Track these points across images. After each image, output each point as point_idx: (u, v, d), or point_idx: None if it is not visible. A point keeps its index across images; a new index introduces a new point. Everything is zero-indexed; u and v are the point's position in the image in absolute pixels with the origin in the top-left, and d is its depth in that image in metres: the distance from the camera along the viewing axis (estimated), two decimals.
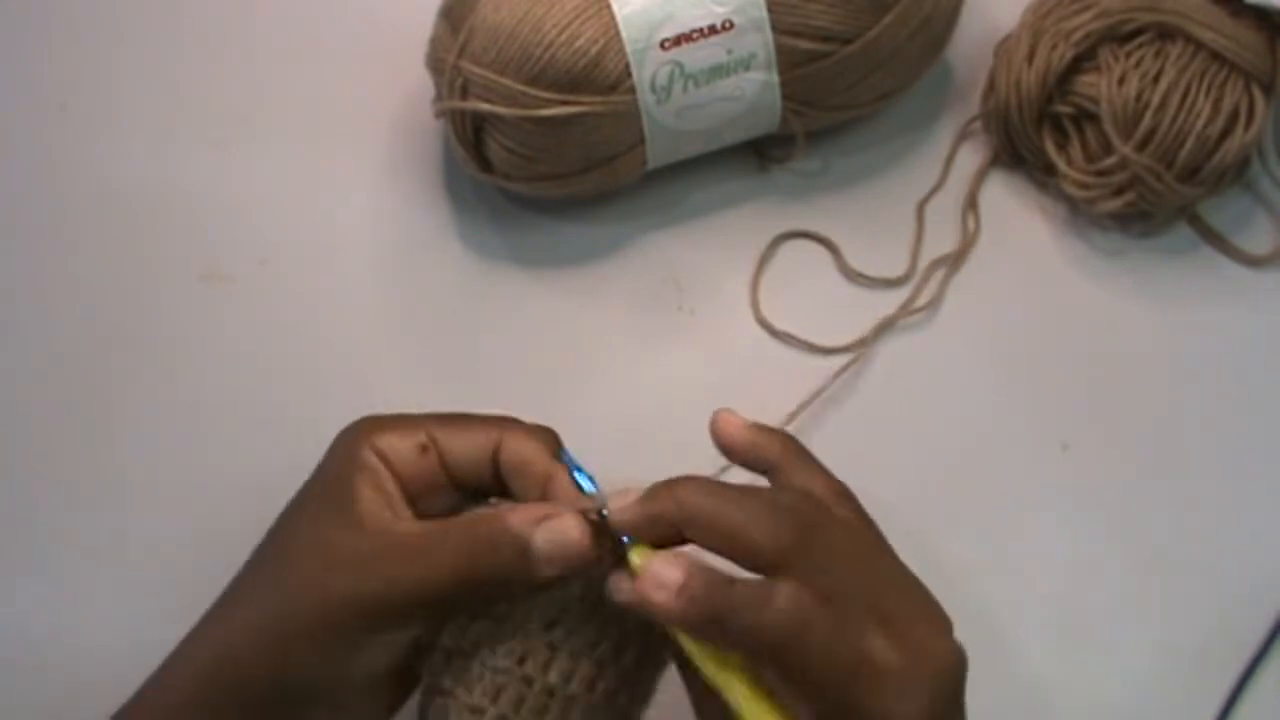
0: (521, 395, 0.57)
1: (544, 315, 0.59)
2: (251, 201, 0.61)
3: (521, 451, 0.44)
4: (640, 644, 0.43)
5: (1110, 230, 0.60)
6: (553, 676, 0.42)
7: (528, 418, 0.57)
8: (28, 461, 0.56)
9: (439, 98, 0.57)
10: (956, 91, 0.63)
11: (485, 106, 0.54)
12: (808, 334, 0.58)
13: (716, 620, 0.38)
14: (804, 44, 0.55)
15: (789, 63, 0.55)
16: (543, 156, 0.55)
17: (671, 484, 0.41)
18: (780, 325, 0.58)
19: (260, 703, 0.41)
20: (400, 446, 0.43)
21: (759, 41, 0.54)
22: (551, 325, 0.59)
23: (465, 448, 0.44)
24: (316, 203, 0.61)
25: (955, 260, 0.58)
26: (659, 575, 0.38)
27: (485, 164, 0.57)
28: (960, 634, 0.40)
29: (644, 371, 0.58)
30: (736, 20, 0.54)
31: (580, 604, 0.42)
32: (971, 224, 0.59)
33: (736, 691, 0.39)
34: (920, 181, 0.61)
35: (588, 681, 0.42)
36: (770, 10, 0.54)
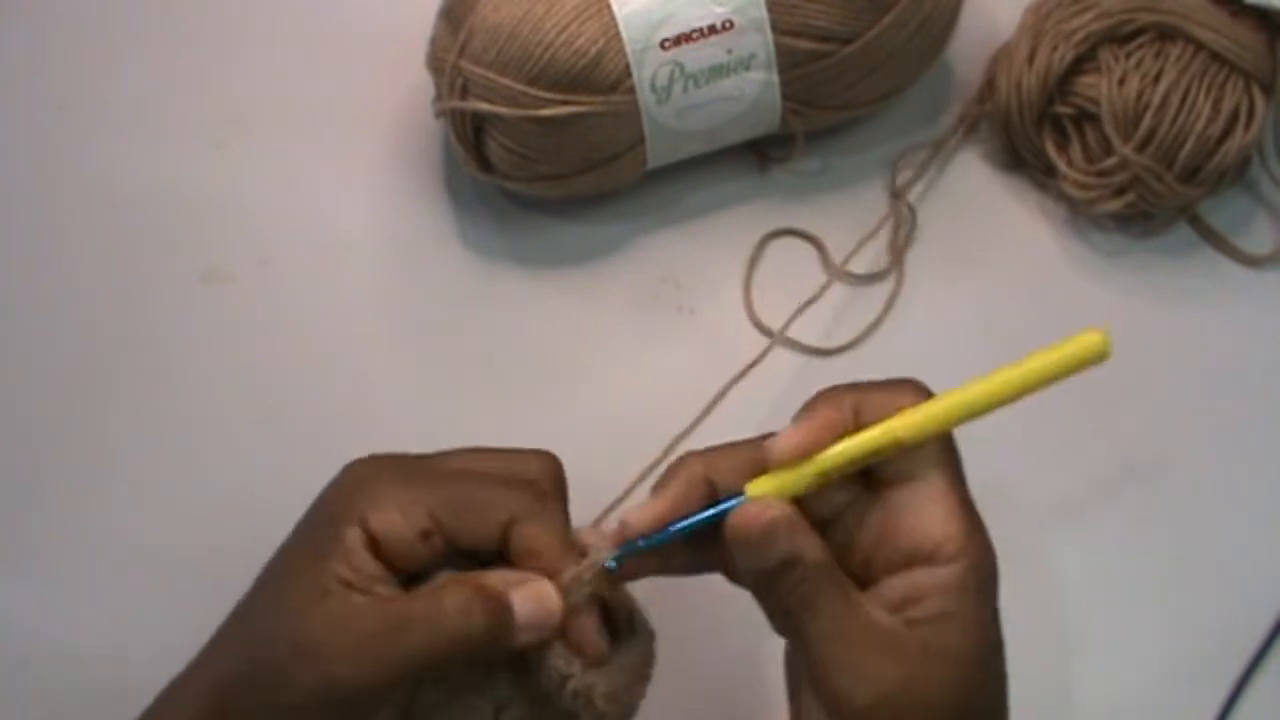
0: (521, 395, 0.57)
1: (544, 315, 0.59)
2: (251, 201, 0.61)
3: (533, 542, 0.41)
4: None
5: (1110, 230, 0.60)
6: None
7: (528, 417, 0.57)
8: (27, 462, 0.56)
9: (439, 98, 0.57)
10: (956, 92, 0.63)
11: (485, 106, 0.54)
12: (804, 333, 0.58)
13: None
14: (804, 44, 0.55)
15: (789, 63, 0.55)
16: (543, 156, 0.55)
17: (679, 463, 0.42)
18: (777, 325, 0.58)
19: None
20: (399, 528, 0.40)
21: (759, 41, 0.54)
22: (551, 325, 0.58)
23: (472, 536, 0.41)
24: (316, 203, 0.61)
25: (903, 243, 0.59)
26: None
27: (485, 164, 0.57)
28: None
29: (644, 371, 0.58)
30: (736, 20, 0.54)
31: (533, 688, 0.41)
32: (905, 207, 0.60)
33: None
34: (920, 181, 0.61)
35: None
36: (770, 10, 0.54)
